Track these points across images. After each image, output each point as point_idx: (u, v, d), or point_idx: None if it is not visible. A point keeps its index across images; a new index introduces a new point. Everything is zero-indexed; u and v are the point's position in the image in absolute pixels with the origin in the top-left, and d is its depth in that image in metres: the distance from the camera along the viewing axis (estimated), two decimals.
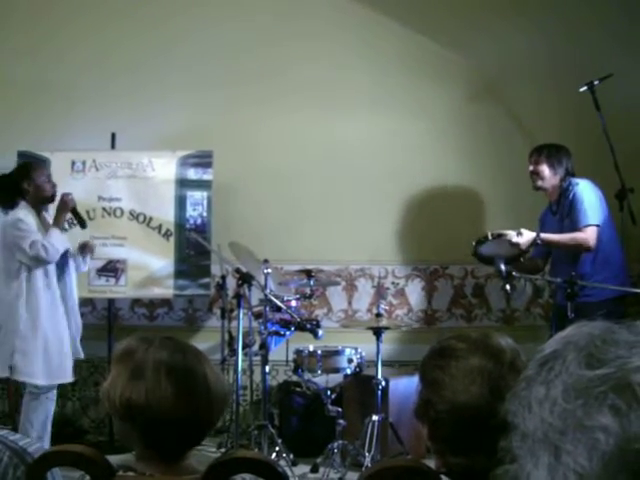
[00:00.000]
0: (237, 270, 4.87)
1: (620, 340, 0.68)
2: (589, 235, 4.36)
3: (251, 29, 5.84)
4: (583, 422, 0.64)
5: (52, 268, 4.51)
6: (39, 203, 4.63)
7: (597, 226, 4.39)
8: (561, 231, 4.48)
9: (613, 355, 0.67)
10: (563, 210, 4.54)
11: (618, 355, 0.66)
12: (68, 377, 4.57)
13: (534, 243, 4.35)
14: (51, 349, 4.46)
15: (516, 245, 4.27)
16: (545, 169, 4.58)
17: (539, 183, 4.61)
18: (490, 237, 4.30)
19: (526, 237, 4.30)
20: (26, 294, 4.42)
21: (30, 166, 4.74)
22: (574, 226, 4.42)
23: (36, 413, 4.46)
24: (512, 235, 4.27)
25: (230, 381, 5.43)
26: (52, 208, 4.73)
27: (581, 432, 0.64)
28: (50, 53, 5.85)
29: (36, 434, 4.36)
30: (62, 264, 4.62)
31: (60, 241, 4.49)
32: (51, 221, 4.64)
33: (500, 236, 4.29)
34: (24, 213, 4.50)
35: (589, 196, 4.44)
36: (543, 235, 4.39)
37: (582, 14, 5.71)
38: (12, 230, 4.45)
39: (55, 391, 4.57)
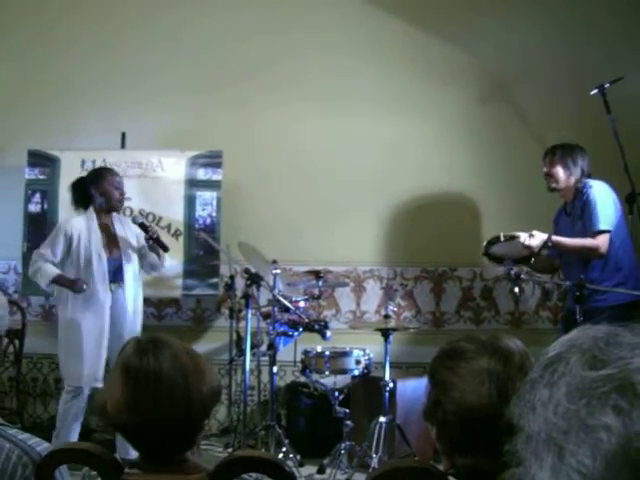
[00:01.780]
0: (246, 270, 4.88)
1: (623, 342, 0.69)
2: (601, 242, 4.29)
3: (264, 33, 5.87)
4: (586, 422, 0.64)
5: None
6: (105, 210, 4.74)
7: (609, 232, 4.34)
8: (573, 233, 4.41)
9: (616, 356, 0.67)
10: (576, 212, 4.48)
11: (620, 356, 0.67)
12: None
13: (546, 245, 4.31)
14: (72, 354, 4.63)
15: (528, 247, 4.24)
16: (559, 171, 4.50)
17: (553, 185, 4.54)
18: (502, 238, 4.26)
19: (538, 239, 4.26)
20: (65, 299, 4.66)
21: (100, 172, 4.85)
22: (586, 230, 4.36)
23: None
24: (524, 237, 4.24)
25: (238, 381, 5.45)
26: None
27: (584, 432, 0.64)
28: (62, 56, 5.89)
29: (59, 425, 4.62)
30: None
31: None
32: (120, 225, 4.81)
33: (512, 238, 4.25)
34: (80, 221, 4.69)
35: (603, 200, 4.36)
36: (555, 238, 4.33)
37: (593, 16, 5.72)
38: (51, 232, 4.74)
39: (70, 389, 4.62)
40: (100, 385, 4.51)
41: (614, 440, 0.62)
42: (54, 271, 4.59)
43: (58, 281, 4.60)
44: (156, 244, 4.80)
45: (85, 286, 4.56)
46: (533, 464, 0.68)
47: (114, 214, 4.83)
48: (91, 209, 4.71)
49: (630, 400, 0.63)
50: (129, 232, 4.84)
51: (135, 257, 4.82)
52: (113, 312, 4.69)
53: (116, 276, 4.70)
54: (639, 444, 0.61)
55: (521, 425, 0.71)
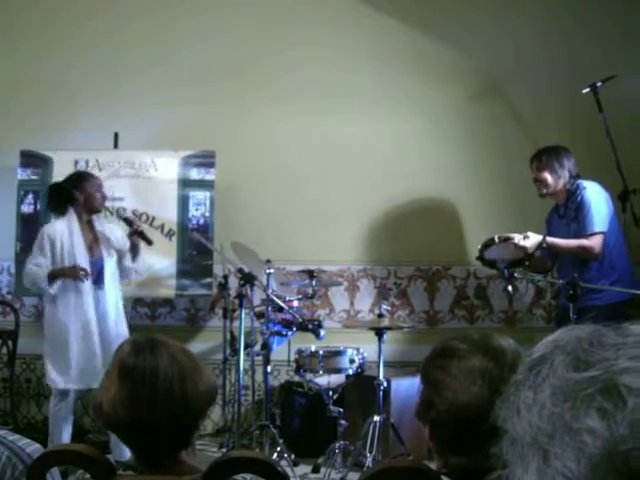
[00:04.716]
0: (239, 270, 4.87)
1: (607, 342, 0.68)
2: (595, 243, 4.31)
3: (257, 31, 5.86)
4: (571, 425, 0.64)
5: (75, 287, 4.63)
6: (87, 212, 4.76)
7: (603, 233, 4.36)
8: (567, 235, 4.43)
9: (600, 357, 0.66)
10: (570, 214, 4.49)
11: (605, 357, 0.66)
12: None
13: (540, 247, 4.32)
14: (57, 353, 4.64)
15: (522, 248, 4.25)
16: (547, 176, 4.50)
17: (544, 191, 4.55)
18: (497, 240, 4.27)
19: (532, 240, 4.27)
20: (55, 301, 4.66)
21: (82, 176, 4.87)
22: (580, 231, 4.38)
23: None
24: (518, 238, 4.24)
25: (232, 381, 5.44)
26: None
27: (569, 435, 0.64)
28: (54, 54, 5.87)
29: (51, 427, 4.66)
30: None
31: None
32: (100, 227, 4.82)
33: (507, 240, 4.26)
34: (62, 223, 4.68)
35: (597, 201, 4.38)
36: (549, 239, 4.34)
37: (588, 14, 5.73)
38: (35, 241, 4.71)
39: (57, 392, 4.65)
40: (94, 385, 4.54)
41: (599, 444, 0.61)
42: (46, 270, 4.60)
43: (56, 274, 4.58)
44: (140, 238, 4.82)
45: (83, 272, 4.57)
46: (519, 467, 0.67)
47: (94, 217, 4.83)
48: (72, 212, 4.70)
49: (615, 402, 0.62)
50: (109, 235, 4.85)
51: (115, 260, 4.83)
52: (97, 315, 4.69)
53: (97, 278, 4.70)
54: (624, 447, 0.60)
55: (506, 428, 0.70)
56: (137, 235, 4.81)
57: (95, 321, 4.62)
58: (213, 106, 5.81)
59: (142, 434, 1.61)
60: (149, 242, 4.86)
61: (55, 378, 4.63)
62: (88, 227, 4.77)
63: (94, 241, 4.77)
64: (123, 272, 4.91)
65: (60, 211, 4.72)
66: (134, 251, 4.86)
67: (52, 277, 4.58)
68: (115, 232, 4.88)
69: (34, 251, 4.67)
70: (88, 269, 4.61)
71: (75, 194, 4.69)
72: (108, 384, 1.62)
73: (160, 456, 1.64)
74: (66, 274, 4.59)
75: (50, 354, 4.66)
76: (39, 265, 4.60)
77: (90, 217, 4.80)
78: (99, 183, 4.82)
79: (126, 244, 4.86)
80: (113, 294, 4.76)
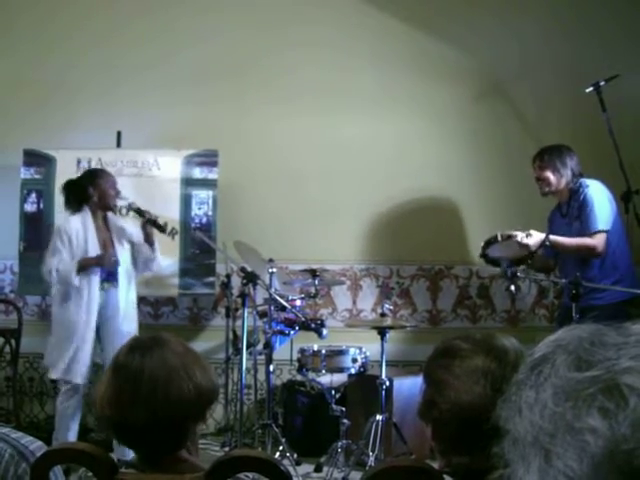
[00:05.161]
0: (242, 269, 4.87)
1: (608, 342, 0.68)
2: (598, 242, 4.31)
3: (257, 31, 5.86)
4: (572, 424, 0.64)
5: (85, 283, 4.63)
6: (102, 209, 4.78)
7: (606, 232, 4.35)
8: (570, 233, 4.42)
9: (601, 357, 0.66)
10: (572, 212, 4.49)
11: (606, 357, 0.66)
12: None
13: (543, 245, 4.31)
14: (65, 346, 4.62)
15: (525, 246, 4.24)
16: (550, 175, 4.50)
17: (546, 189, 4.54)
18: (500, 238, 4.26)
19: (535, 238, 4.26)
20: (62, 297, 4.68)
21: (96, 173, 4.90)
22: (583, 230, 4.37)
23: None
24: (521, 236, 4.24)
25: (234, 380, 5.44)
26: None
27: (570, 435, 0.63)
28: (54, 54, 5.88)
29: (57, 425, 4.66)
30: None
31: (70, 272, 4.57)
32: (115, 227, 4.84)
33: (509, 237, 4.25)
34: (77, 220, 4.69)
35: (600, 199, 4.38)
36: (552, 237, 4.34)
37: (591, 14, 5.72)
38: (52, 238, 4.73)
39: (67, 390, 4.65)
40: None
41: (601, 443, 0.61)
42: (72, 263, 4.58)
43: (84, 265, 4.58)
44: (153, 226, 4.83)
45: (114, 258, 4.64)
46: (520, 467, 0.67)
47: (108, 214, 4.85)
48: (86, 209, 4.72)
49: (616, 402, 0.62)
50: (123, 232, 4.86)
51: (129, 257, 4.83)
52: (107, 312, 4.70)
53: (110, 276, 4.72)
54: (626, 446, 0.60)
55: (508, 427, 0.70)
56: (150, 224, 4.83)
57: (96, 320, 4.63)
58: (214, 106, 5.81)
59: (130, 433, 1.62)
60: (163, 229, 4.89)
61: (66, 373, 4.61)
62: (103, 224, 4.79)
63: (108, 239, 4.78)
64: (143, 263, 4.92)
65: (76, 208, 4.73)
66: (149, 241, 4.87)
67: (81, 268, 4.57)
68: (129, 229, 4.91)
69: (54, 249, 4.64)
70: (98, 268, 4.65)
71: (90, 191, 4.71)
72: (102, 381, 1.63)
73: (159, 455, 1.64)
74: (97, 263, 4.61)
75: (57, 349, 4.63)
76: (64, 261, 4.60)
77: (105, 214, 4.81)
78: (113, 180, 4.84)
79: (141, 237, 4.87)
80: (125, 292, 4.78)
